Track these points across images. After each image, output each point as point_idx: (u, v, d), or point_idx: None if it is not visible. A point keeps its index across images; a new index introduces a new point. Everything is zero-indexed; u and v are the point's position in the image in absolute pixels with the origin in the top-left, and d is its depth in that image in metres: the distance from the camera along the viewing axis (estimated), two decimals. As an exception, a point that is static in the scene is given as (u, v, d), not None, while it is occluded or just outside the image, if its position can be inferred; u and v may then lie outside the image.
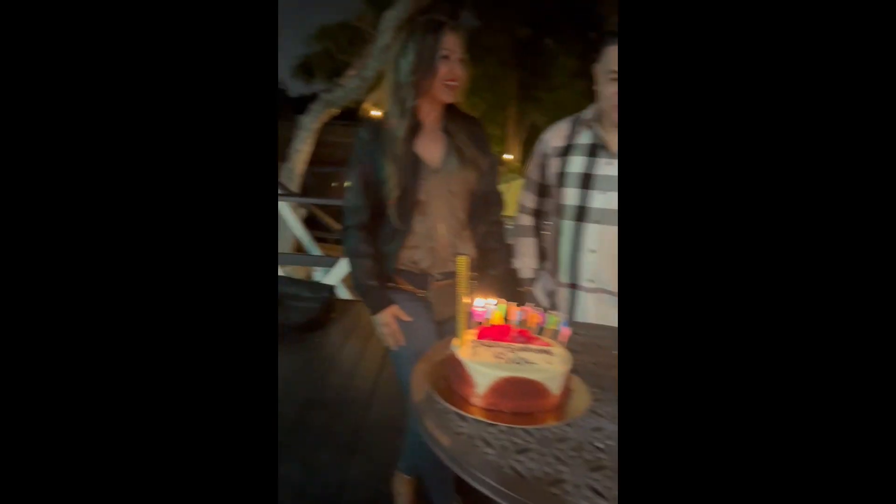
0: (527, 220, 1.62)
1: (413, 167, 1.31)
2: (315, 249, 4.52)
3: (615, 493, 0.63)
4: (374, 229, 1.36)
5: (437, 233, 1.35)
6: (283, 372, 2.44)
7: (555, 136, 1.51)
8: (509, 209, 1.80)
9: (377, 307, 1.33)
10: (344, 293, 3.77)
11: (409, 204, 1.31)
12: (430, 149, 1.35)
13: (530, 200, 1.60)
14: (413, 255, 1.35)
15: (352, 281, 1.41)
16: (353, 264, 1.34)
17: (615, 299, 1.42)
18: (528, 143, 11.98)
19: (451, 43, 1.25)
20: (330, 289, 3.48)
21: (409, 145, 1.30)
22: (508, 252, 1.51)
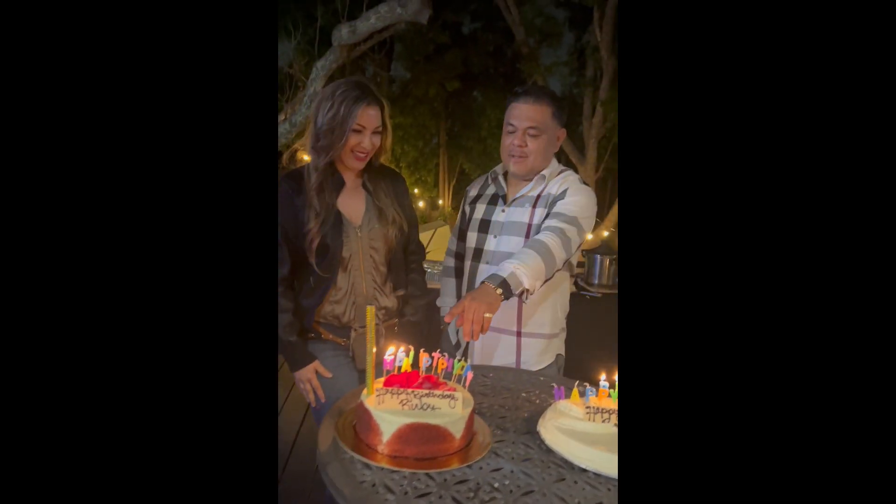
0: (450, 262, 1.71)
1: (335, 223, 1.32)
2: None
3: (506, 530, 0.68)
4: (292, 283, 1.36)
5: (358, 288, 1.37)
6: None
7: (472, 187, 1.65)
8: (440, 253, 1.89)
9: (298, 364, 1.34)
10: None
11: (332, 258, 1.32)
12: (352, 206, 1.38)
13: (453, 244, 1.70)
14: (334, 309, 1.37)
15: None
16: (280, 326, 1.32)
17: (504, 338, 1.51)
18: (458, 189, 12.36)
19: (366, 118, 1.28)
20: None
21: (330, 201, 1.32)
22: (427, 297, 1.57)
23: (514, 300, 1.47)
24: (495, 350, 1.52)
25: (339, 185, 1.36)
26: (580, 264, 3.02)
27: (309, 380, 1.34)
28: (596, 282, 2.96)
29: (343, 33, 3.44)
